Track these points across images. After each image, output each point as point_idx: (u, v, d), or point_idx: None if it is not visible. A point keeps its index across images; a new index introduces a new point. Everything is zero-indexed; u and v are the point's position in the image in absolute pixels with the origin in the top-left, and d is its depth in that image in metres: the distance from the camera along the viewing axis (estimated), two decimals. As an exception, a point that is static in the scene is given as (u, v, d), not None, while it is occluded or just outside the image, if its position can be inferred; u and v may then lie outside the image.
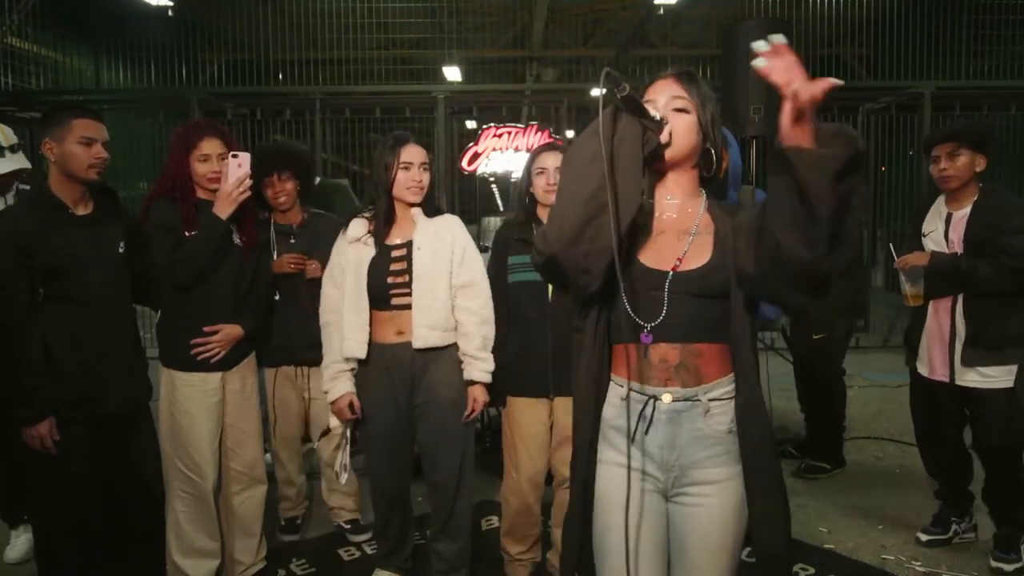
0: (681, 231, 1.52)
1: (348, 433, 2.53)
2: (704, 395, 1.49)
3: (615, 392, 1.54)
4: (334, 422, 2.54)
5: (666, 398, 1.49)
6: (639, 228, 1.49)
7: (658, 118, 1.41)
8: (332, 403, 2.46)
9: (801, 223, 1.24)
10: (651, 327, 1.48)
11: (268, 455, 3.53)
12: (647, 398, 1.50)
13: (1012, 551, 2.81)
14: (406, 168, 2.40)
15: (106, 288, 2.33)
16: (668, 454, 1.50)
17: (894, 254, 2.96)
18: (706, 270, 1.47)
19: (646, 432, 1.50)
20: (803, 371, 4.04)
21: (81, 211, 2.32)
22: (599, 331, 1.52)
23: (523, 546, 2.70)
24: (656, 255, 1.50)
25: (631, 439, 1.49)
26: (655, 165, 1.49)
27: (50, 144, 2.24)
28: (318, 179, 4.07)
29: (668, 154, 1.46)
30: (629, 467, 1.47)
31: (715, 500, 1.50)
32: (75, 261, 2.26)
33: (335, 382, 2.44)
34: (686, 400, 1.49)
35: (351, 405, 2.43)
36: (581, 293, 1.47)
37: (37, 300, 2.25)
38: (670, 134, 1.44)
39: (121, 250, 2.38)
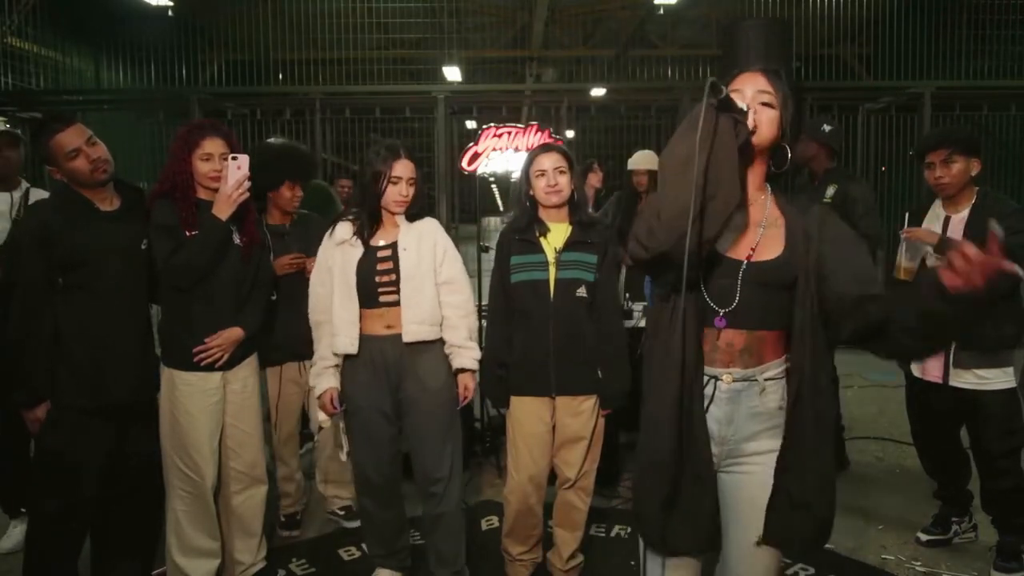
0: (753, 222, 1.59)
1: (342, 423, 2.61)
2: (761, 375, 1.59)
3: None
4: (322, 416, 2.60)
5: (727, 378, 1.59)
6: None
7: (744, 108, 1.46)
8: (318, 398, 2.53)
9: (935, 346, 1.44)
10: (724, 312, 1.56)
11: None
12: (709, 378, 1.59)
13: (1014, 560, 2.79)
14: (395, 183, 2.48)
15: (122, 282, 2.38)
16: (725, 429, 1.61)
17: (905, 224, 2.90)
18: (779, 263, 1.56)
19: (706, 410, 1.59)
20: None
21: (106, 207, 2.40)
22: (683, 317, 1.52)
23: (524, 546, 2.70)
24: (731, 244, 1.57)
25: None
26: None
27: (53, 169, 2.32)
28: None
29: (753, 141, 1.51)
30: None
31: (763, 468, 1.60)
32: (95, 254, 2.33)
33: (320, 378, 2.52)
34: (745, 380, 1.59)
35: (332, 400, 2.51)
36: (676, 282, 1.48)
37: (54, 290, 2.32)
38: (755, 124, 1.49)
39: (143, 247, 2.44)
